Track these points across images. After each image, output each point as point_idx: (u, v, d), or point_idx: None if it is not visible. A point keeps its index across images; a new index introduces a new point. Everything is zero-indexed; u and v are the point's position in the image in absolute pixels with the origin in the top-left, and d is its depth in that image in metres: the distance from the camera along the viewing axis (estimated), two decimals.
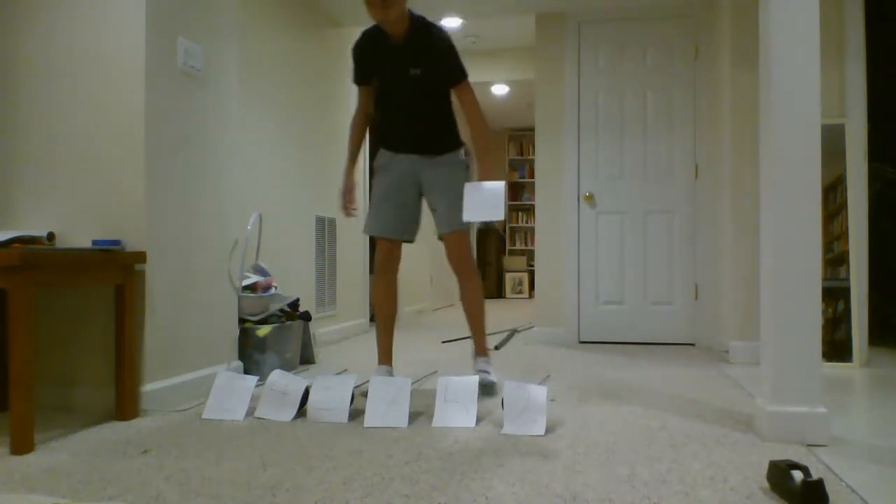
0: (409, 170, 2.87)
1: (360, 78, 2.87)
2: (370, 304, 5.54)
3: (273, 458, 1.92)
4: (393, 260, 2.90)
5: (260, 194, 3.72)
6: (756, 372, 3.41)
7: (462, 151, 2.93)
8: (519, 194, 10.34)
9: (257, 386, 2.94)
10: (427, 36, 2.71)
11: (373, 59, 2.80)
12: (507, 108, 8.66)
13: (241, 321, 3.18)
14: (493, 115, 9.24)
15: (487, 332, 5.22)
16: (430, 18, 2.80)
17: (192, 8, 2.71)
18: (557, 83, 4.60)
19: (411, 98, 2.80)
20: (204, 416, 2.39)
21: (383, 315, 2.93)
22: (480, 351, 2.98)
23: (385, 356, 2.93)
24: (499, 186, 2.58)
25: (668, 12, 4.49)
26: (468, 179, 2.87)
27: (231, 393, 2.46)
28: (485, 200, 2.55)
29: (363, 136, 2.98)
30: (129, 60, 2.44)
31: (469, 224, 2.87)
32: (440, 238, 2.90)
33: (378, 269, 2.90)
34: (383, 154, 2.91)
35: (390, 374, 2.90)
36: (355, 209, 2.98)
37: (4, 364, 2.46)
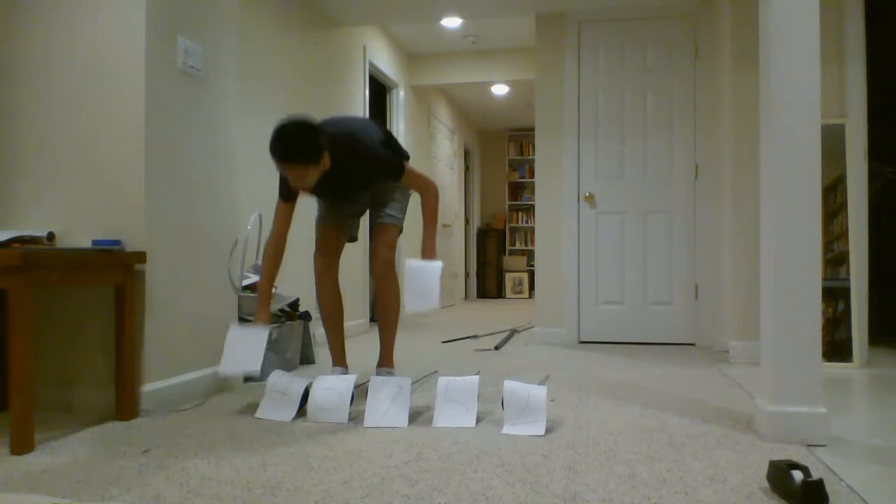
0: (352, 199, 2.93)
1: (288, 195, 2.66)
2: (369, 304, 5.55)
3: (273, 458, 1.92)
4: (335, 255, 2.88)
5: (260, 194, 3.72)
6: (756, 372, 3.40)
7: None
8: (519, 194, 10.34)
9: (257, 382, 2.94)
10: (349, 160, 2.61)
11: None
12: (507, 108, 8.66)
13: (241, 321, 3.18)
14: (493, 115, 9.24)
15: (486, 332, 5.22)
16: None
17: (192, 8, 2.71)
18: (557, 83, 4.60)
19: (353, 196, 2.81)
20: (220, 371, 2.39)
21: (333, 317, 2.90)
22: (387, 360, 2.95)
23: (340, 358, 2.91)
24: (435, 271, 2.54)
25: (668, 12, 4.49)
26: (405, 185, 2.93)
27: (244, 345, 2.42)
28: (422, 287, 2.53)
29: (279, 265, 2.68)
30: (129, 60, 2.44)
31: (400, 219, 2.90)
32: (371, 228, 2.91)
33: (321, 268, 2.87)
34: None
35: (345, 374, 2.88)
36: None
37: (4, 364, 2.46)
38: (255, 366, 2.36)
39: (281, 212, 2.67)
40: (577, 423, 2.30)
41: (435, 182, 2.78)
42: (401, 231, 2.91)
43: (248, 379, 3.06)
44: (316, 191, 2.76)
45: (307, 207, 4.24)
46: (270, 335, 2.47)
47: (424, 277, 2.53)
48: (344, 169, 2.63)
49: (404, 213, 2.92)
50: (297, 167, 2.43)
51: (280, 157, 2.42)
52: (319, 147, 2.46)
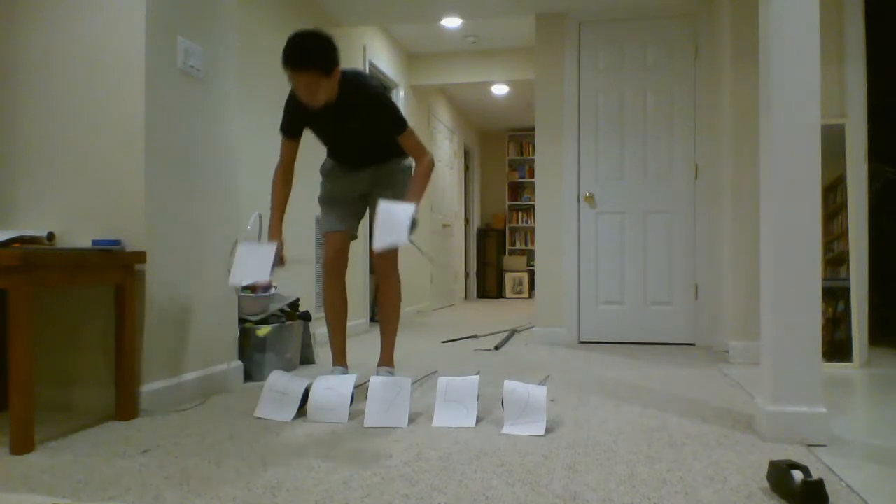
0: (353, 176, 2.89)
1: (290, 131, 2.69)
2: (370, 304, 5.54)
3: (273, 458, 1.92)
4: (342, 257, 2.89)
5: (260, 194, 3.72)
6: (756, 372, 3.40)
7: (408, 159, 2.90)
8: (519, 194, 10.34)
9: (256, 382, 2.95)
10: (357, 96, 2.60)
11: (306, 116, 2.67)
12: (507, 108, 8.66)
13: (241, 321, 3.18)
14: (493, 115, 9.24)
15: (486, 332, 5.22)
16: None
17: (192, 8, 2.71)
18: (557, 83, 4.60)
19: (354, 142, 2.77)
20: (230, 283, 2.42)
21: (337, 316, 2.90)
22: (388, 360, 2.94)
23: (340, 357, 2.91)
24: (406, 211, 2.44)
25: (668, 12, 4.49)
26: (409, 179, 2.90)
27: (254, 257, 2.43)
28: (392, 225, 2.43)
29: (288, 194, 2.76)
30: (129, 60, 2.44)
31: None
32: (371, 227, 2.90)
33: (328, 268, 2.87)
34: (329, 161, 2.92)
35: (345, 374, 2.88)
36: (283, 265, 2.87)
37: (4, 364, 2.46)
38: (264, 276, 2.36)
39: (285, 146, 2.71)
40: (577, 423, 2.30)
41: (432, 154, 2.76)
42: None
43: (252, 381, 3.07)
44: (318, 127, 2.72)
45: (306, 210, 4.24)
46: (278, 251, 2.50)
47: (394, 216, 2.43)
48: (348, 107, 2.61)
49: None
50: (309, 75, 2.38)
51: (293, 62, 2.37)
52: (334, 59, 2.42)
